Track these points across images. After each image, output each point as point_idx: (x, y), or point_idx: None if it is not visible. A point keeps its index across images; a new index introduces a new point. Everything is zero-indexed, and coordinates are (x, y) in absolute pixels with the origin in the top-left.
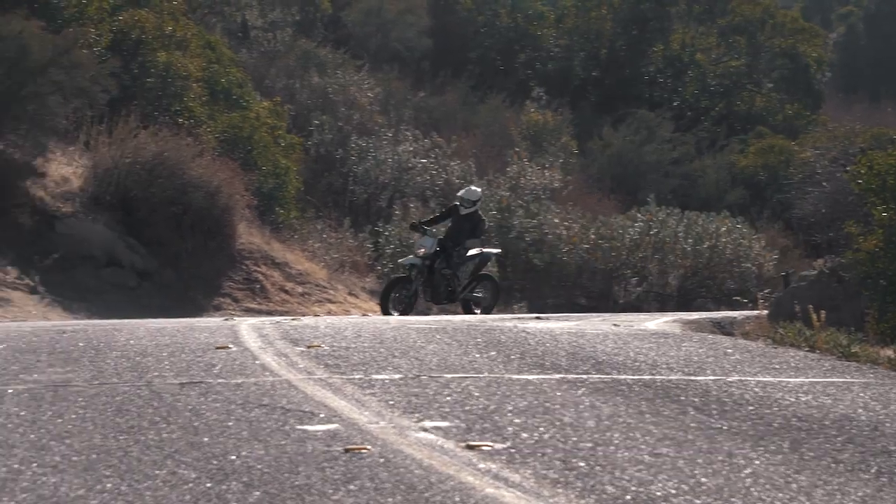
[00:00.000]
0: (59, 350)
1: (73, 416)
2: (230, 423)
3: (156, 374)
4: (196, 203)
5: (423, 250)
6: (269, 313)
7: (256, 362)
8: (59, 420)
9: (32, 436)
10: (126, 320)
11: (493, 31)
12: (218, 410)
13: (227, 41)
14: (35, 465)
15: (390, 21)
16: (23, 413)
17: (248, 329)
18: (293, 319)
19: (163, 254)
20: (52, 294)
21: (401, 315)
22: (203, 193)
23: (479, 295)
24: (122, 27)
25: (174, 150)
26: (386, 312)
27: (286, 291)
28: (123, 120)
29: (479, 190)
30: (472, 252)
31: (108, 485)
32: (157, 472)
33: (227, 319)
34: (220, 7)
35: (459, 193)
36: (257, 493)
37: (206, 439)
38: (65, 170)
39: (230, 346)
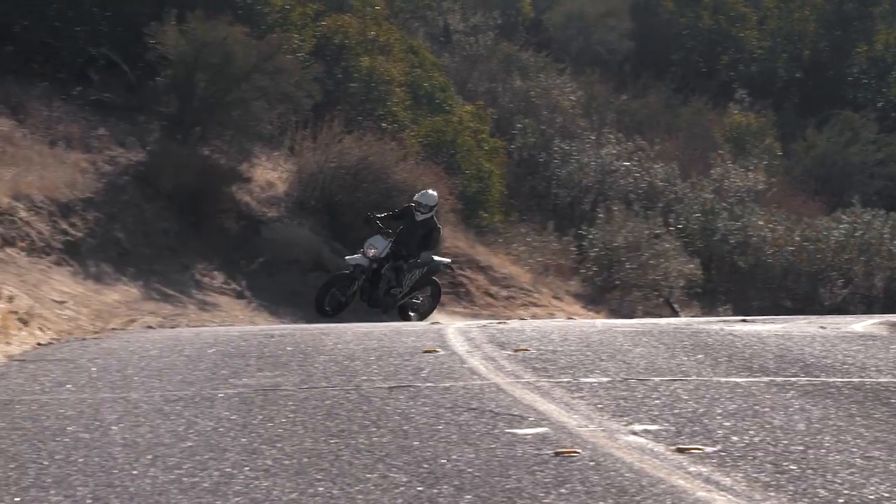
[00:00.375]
0: (268, 354)
1: (284, 420)
2: (440, 427)
3: (364, 377)
4: (400, 207)
5: (373, 251)
6: (475, 317)
7: (464, 366)
8: (270, 424)
9: (244, 440)
10: (333, 324)
11: (695, 32)
12: (427, 414)
13: (430, 45)
14: (247, 468)
15: (592, 24)
16: (234, 417)
17: (455, 333)
18: (499, 323)
19: None
20: (258, 298)
21: (331, 315)
22: (407, 198)
23: (418, 301)
24: (325, 32)
25: (378, 155)
26: (320, 310)
27: (491, 295)
28: (327, 125)
29: (435, 194)
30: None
31: (321, 488)
32: (368, 475)
33: (433, 323)
34: (423, 12)
35: (416, 197)
36: (468, 496)
37: (416, 443)
38: (270, 175)
39: (438, 349)
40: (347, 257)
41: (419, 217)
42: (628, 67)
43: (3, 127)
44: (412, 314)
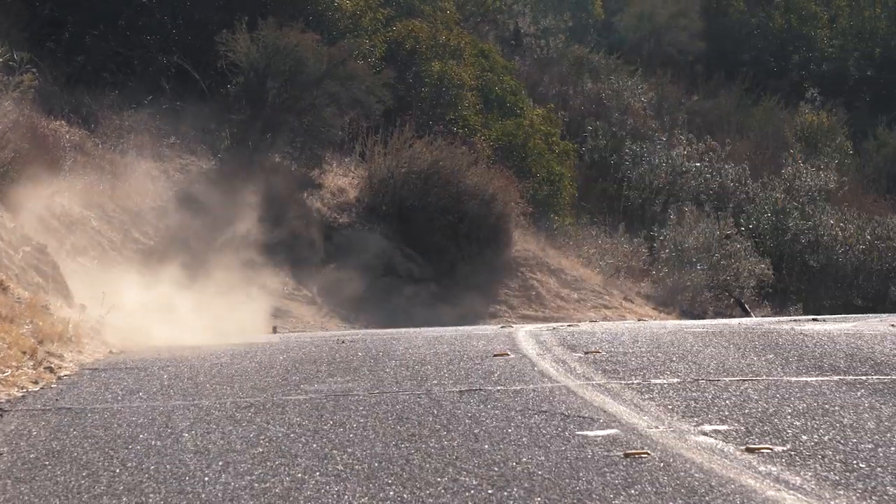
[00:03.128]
0: (339, 360)
1: (355, 425)
2: (510, 430)
3: (435, 382)
4: (471, 211)
5: None
6: (545, 320)
7: (535, 369)
8: (341, 429)
9: (315, 445)
10: (403, 329)
11: (765, 32)
12: (498, 417)
13: (500, 49)
14: (318, 474)
15: (663, 25)
16: (305, 423)
17: (526, 336)
18: (570, 325)
19: (438, 262)
20: (329, 304)
21: None
22: (478, 202)
23: None
24: (395, 38)
25: (449, 159)
26: None
27: (562, 298)
28: (398, 130)
29: None
30: None
31: (391, 493)
32: (438, 479)
33: (503, 327)
34: (493, 15)
35: None
36: (538, 499)
37: (486, 446)
38: (341, 181)
39: (508, 353)
40: None
41: None
42: (699, 68)
43: (74, 136)
44: None
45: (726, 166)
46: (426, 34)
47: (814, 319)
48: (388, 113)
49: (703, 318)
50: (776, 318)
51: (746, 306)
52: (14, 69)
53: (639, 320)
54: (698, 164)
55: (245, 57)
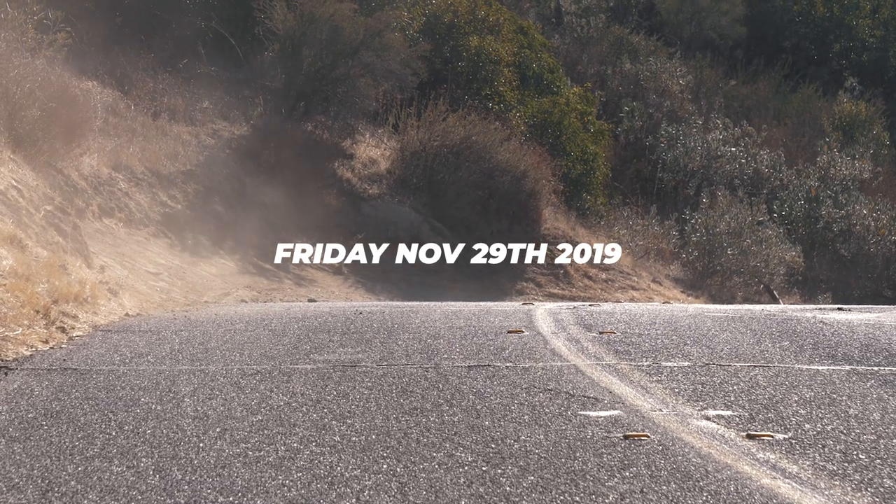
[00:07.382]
0: (353, 331)
1: (357, 397)
2: (513, 407)
3: (445, 356)
4: (502, 187)
5: None
6: (572, 299)
7: (547, 347)
8: (343, 400)
9: (315, 415)
10: (424, 303)
11: (807, 20)
12: (502, 394)
13: (540, 26)
14: (314, 444)
15: (705, 9)
16: (308, 392)
17: (544, 314)
18: (591, 305)
19: (468, 237)
20: (355, 275)
21: None
22: (510, 178)
23: None
24: (434, 11)
25: (482, 134)
26: None
27: (590, 277)
28: (432, 103)
29: None
30: None
31: (384, 466)
32: (434, 454)
33: (524, 304)
34: None
35: None
36: (532, 477)
37: (486, 423)
38: (373, 151)
39: (523, 330)
40: None
41: None
42: (739, 53)
43: (107, 97)
44: None
45: (761, 152)
46: (465, 8)
47: (839, 309)
48: (422, 86)
49: (731, 304)
50: (800, 306)
51: (775, 293)
52: (48, 27)
53: (665, 303)
54: (733, 149)
55: (281, 24)
